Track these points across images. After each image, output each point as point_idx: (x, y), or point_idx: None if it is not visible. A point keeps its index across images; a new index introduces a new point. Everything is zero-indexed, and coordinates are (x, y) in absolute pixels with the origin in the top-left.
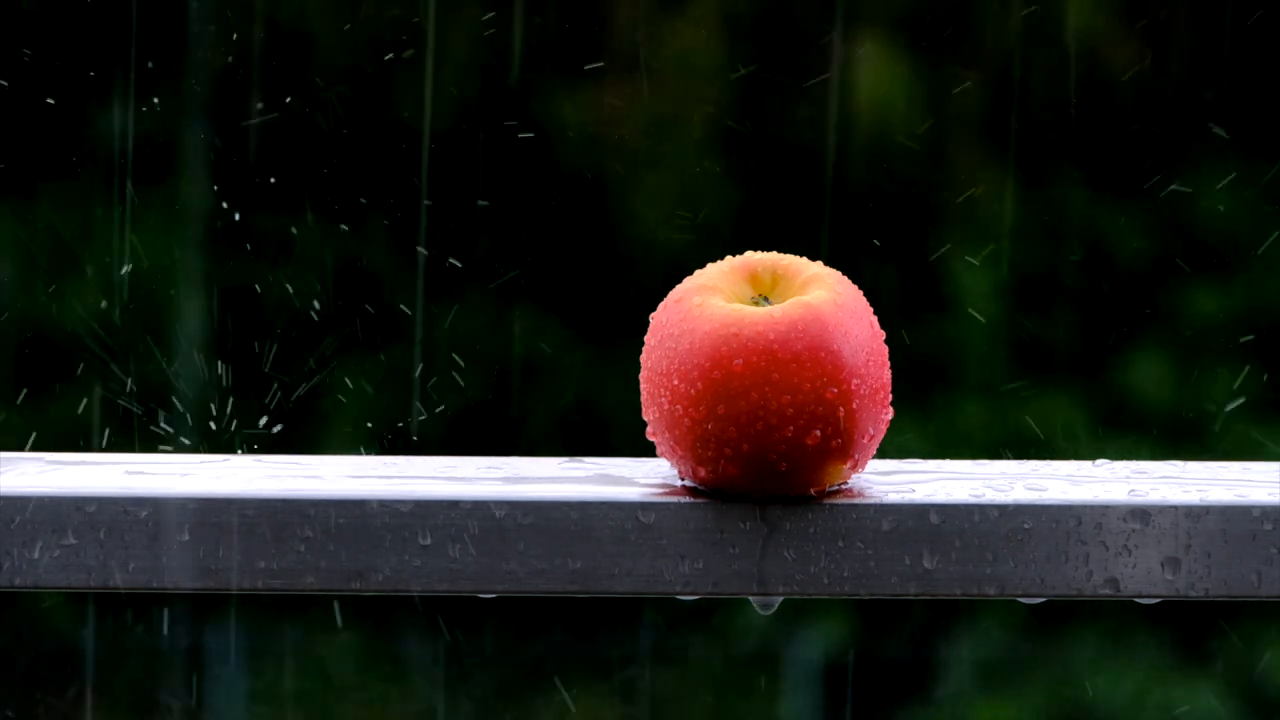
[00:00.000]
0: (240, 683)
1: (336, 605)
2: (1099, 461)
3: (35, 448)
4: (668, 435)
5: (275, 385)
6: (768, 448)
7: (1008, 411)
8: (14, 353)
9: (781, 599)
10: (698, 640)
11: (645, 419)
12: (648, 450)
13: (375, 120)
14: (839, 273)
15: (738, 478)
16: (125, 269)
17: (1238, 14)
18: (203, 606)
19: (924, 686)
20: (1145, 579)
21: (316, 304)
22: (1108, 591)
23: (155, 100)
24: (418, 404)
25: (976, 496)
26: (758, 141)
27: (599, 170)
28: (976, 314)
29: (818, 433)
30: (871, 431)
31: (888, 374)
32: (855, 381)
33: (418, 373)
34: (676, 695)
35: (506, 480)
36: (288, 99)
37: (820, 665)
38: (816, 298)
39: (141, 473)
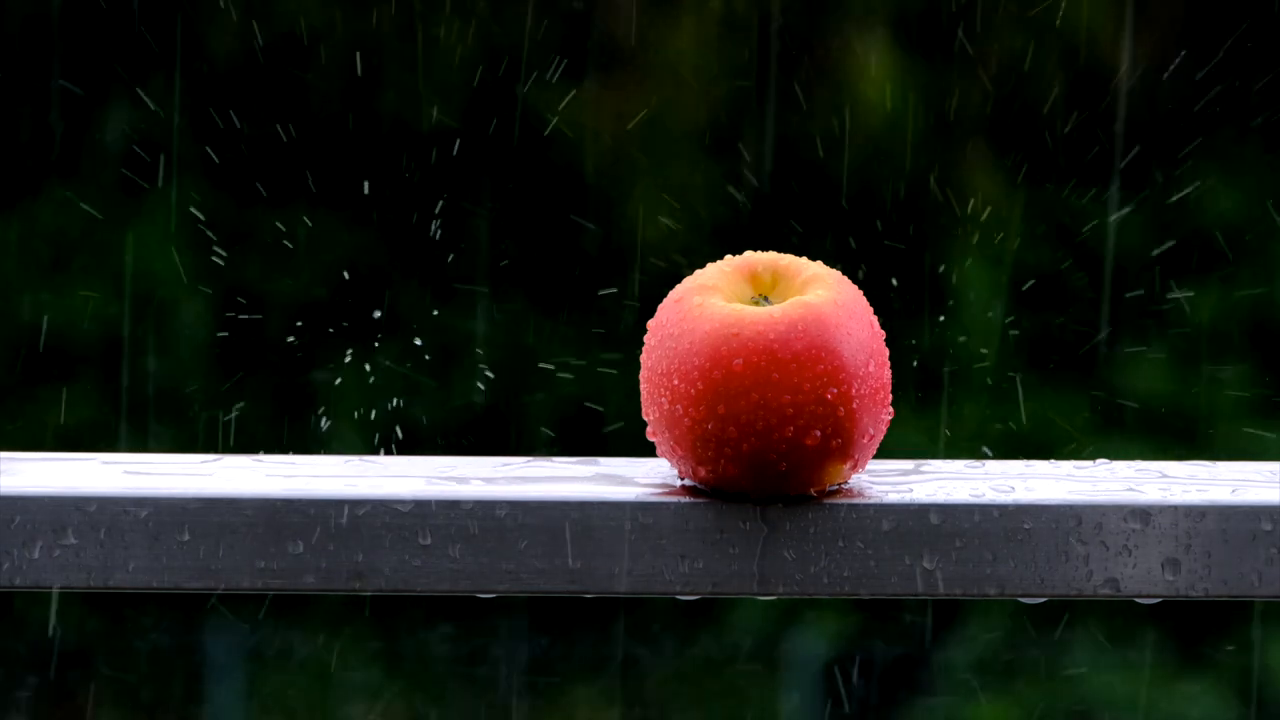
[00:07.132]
0: (240, 682)
1: (337, 605)
2: (1099, 461)
3: (35, 448)
4: (668, 435)
5: (275, 385)
6: (768, 447)
7: (1008, 411)
8: (14, 353)
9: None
10: (697, 639)
11: (645, 419)
12: (648, 450)
13: (374, 119)
14: (839, 272)
15: (738, 478)
16: (125, 269)
17: (1239, 11)
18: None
19: (923, 686)
20: (1145, 579)
21: (315, 303)
22: (1108, 591)
23: (154, 100)
24: (417, 404)
25: (976, 496)
26: (757, 141)
27: (597, 170)
28: (977, 314)
29: (818, 433)
30: (871, 431)
31: (888, 374)
32: (855, 381)
33: (417, 373)
34: (675, 694)
35: (506, 480)
36: (286, 98)
37: (820, 665)
38: (817, 297)
39: (141, 473)
